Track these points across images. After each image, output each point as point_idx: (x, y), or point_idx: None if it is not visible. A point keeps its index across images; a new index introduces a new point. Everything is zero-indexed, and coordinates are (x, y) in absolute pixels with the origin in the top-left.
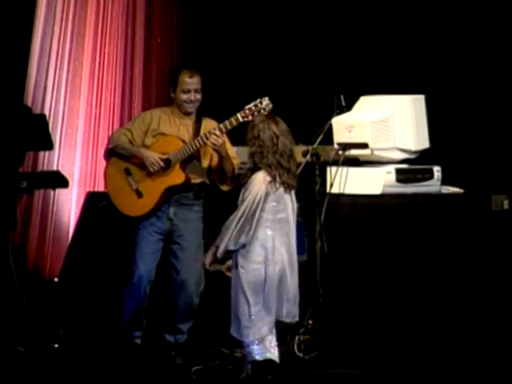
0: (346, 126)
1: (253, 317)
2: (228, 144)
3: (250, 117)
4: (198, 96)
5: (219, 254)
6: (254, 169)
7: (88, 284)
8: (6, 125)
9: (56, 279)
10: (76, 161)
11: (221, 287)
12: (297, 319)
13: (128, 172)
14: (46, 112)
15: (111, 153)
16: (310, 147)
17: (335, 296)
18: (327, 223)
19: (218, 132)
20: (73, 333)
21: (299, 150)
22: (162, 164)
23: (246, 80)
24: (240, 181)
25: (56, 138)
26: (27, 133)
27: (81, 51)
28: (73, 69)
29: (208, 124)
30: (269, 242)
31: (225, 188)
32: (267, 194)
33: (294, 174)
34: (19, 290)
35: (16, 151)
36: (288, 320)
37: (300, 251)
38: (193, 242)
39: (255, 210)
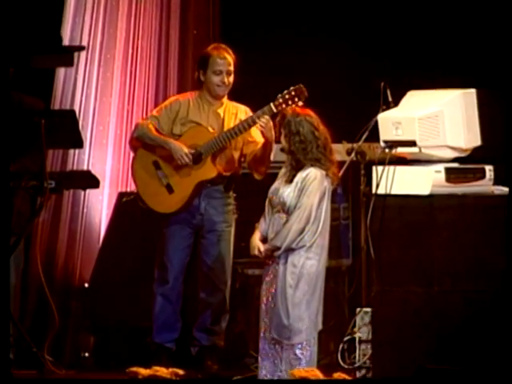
0: (392, 123)
1: (309, 316)
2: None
3: (284, 105)
4: (230, 78)
5: (277, 254)
6: (297, 166)
7: (120, 289)
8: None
9: (86, 285)
10: (107, 160)
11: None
12: None
13: (157, 165)
14: (76, 108)
15: (138, 142)
16: (355, 145)
17: (381, 301)
18: (373, 225)
19: (267, 116)
20: (104, 341)
21: (343, 147)
22: (190, 159)
23: (286, 72)
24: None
25: (86, 136)
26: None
27: (113, 44)
28: (104, 62)
29: (240, 113)
30: (321, 239)
31: (259, 176)
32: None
33: (337, 167)
34: (48, 296)
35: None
36: None
37: (345, 254)
38: (224, 238)
39: (322, 210)
